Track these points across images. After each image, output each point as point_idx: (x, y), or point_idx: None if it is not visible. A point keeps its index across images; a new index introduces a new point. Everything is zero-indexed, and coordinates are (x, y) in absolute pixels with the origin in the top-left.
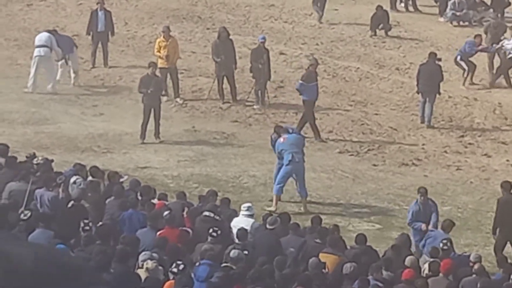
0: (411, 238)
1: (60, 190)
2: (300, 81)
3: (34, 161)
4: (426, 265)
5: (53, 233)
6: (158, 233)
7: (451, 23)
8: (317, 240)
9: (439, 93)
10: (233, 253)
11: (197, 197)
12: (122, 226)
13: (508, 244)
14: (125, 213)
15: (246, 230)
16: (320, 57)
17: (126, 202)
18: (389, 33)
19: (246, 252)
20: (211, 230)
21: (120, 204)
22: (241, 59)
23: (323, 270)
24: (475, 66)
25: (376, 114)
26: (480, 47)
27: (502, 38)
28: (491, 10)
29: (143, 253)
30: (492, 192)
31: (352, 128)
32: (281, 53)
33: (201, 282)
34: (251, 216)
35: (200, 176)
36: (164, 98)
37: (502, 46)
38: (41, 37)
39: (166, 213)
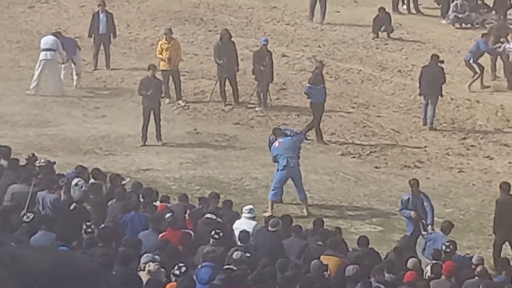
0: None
1: (62, 192)
2: (308, 85)
3: (36, 163)
4: (428, 267)
5: (55, 235)
6: (160, 235)
7: (453, 25)
8: (319, 243)
9: (442, 95)
10: (236, 254)
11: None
12: (124, 228)
13: (508, 246)
14: (127, 215)
15: (248, 232)
16: (322, 59)
17: (128, 204)
18: (391, 35)
19: (248, 254)
20: (213, 232)
21: (122, 206)
22: (243, 61)
23: (325, 273)
24: (483, 68)
25: (378, 116)
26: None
27: (502, 40)
28: (494, 12)
29: (145, 255)
30: (494, 194)
31: (354, 130)
32: (283, 55)
33: (203, 285)
34: (253, 218)
35: (202, 178)
36: (166, 100)
37: (505, 48)
38: (47, 40)
39: (168, 215)
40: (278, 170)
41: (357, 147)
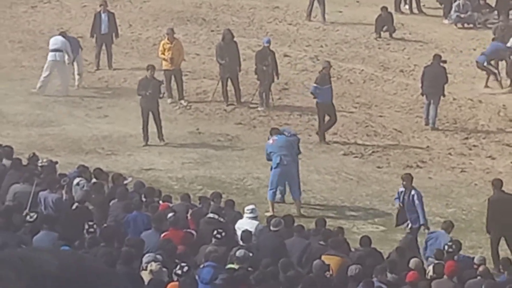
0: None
1: (64, 192)
2: (314, 85)
3: (39, 163)
4: (431, 267)
5: (57, 235)
6: (163, 235)
7: (456, 25)
8: (321, 242)
9: (444, 95)
10: (239, 252)
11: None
12: (127, 228)
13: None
14: (129, 215)
15: (250, 232)
16: (325, 59)
17: (130, 204)
18: (393, 35)
19: (250, 254)
20: (215, 232)
21: (124, 206)
22: (245, 61)
23: (327, 273)
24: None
25: (381, 116)
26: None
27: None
28: (496, 12)
29: (147, 255)
30: None
31: (356, 130)
32: (286, 55)
33: (205, 284)
34: (255, 218)
35: (204, 178)
36: (168, 100)
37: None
38: (56, 41)
39: (170, 215)
40: (271, 168)
41: (359, 147)
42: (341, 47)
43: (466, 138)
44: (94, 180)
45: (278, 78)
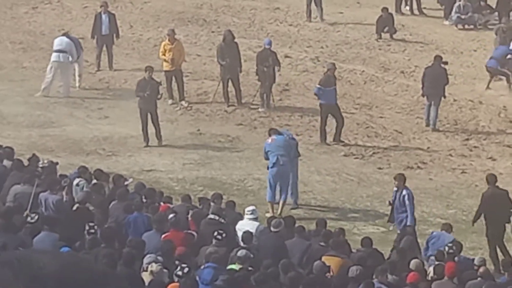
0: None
1: (64, 193)
2: (318, 86)
3: (39, 164)
4: (431, 268)
5: (58, 236)
6: (163, 236)
7: (456, 26)
8: (322, 243)
9: (444, 96)
10: (241, 252)
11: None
12: (127, 229)
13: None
14: (130, 216)
15: (251, 233)
16: (325, 60)
17: (131, 205)
18: (394, 36)
19: (251, 255)
20: (216, 233)
21: (125, 207)
22: (246, 62)
23: (328, 274)
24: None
25: (381, 117)
26: None
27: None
28: (496, 13)
29: (148, 256)
30: None
31: (357, 131)
32: (286, 56)
33: (205, 285)
34: (255, 219)
35: (205, 179)
36: (169, 101)
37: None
38: (61, 42)
39: (171, 216)
40: (268, 167)
41: (360, 148)
42: (342, 48)
43: (467, 139)
44: (94, 181)
45: (279, 70)
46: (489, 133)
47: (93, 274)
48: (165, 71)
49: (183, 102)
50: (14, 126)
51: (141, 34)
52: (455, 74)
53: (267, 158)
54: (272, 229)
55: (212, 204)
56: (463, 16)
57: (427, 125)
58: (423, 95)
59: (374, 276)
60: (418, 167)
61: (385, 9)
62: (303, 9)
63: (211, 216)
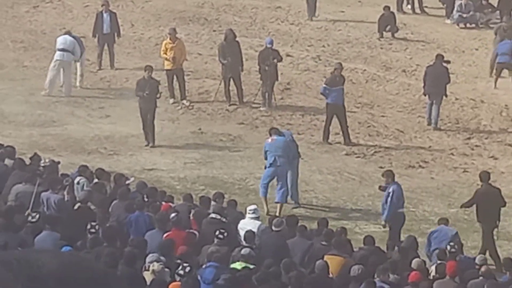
0: None
1: (65, 192)
2: (324, 85)
3: (41, 163)
4: (433, 267)
5: (60, 235)
6: (165, 235)
7: (458, 25)
8: (323, 242)
9: (446, 95)
10: (245, 250)
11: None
12: (129, 228)
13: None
14: (131, 215)
15: (253, 232)
16: (327, 59)
17: (132, 204)
18: (395, 35)
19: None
20: (217, 232)
21: (126, 206)
22: (248, 61)
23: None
24: None
25: (383, 116)
26: None
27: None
28: (498, 12)
29: (150, 255)
30: None
31: (358, 130)
32: (288, 55)
33: (207, 284)
34: (257, 218)
35: (206, 178)
36: (170, 100)
37: None
38: (65, 41)
39: (173, 215)
40: (265, 167)
41: (361, 147)
42: (343, 47)
43: (468, 138)
44: (95, 180)
45: (280, 61)
46: (491, 132)
47: (93, 274)
48: (167, 70)
49: (184, 101)
50: (15, 125)
51: (143, 33)
52: (457, 73)
53: (266, 158)
54: (273, 228)
55: (213, 203)
56: (464, 15)
57: (429, 124)
58: (424, 94)
59: (375, 275)
60: (420, 166)
61: (387, 8)
62: (304, 8)
63: (213, 215)
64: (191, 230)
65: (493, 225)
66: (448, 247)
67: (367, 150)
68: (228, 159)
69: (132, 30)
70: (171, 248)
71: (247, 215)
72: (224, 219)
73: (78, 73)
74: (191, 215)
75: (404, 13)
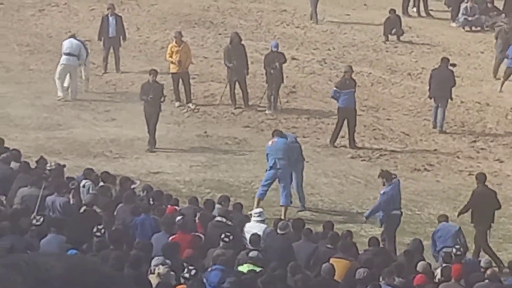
0: None
1: (71, 196)
2: (334, 88)
3: (47, 167)
4: (439, 270)
5: (65, 238)
6: (171, 238)
7: (463, 28)
8: (329, 246)
9: (451, 98)
10: (253, 253)
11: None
12: (134, 231)
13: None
14: (137, 218)
15: (259, 235)
16: (332, 63)
17: (138, 207)
18: (401, 38)
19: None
20: (223, 235)
21: (132, 209)
22: (253, 64)
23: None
24: None
25: (388, 119)
26: None
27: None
28: (503, 15)
29: (156, 258)
30: (504, 198)
31: (364, 133)
32: (293, 58)
33: None
34: (262, 221)
35: (212, 181)
36: (176, 103)
37: None
38: (71, 45)
39: (178, 218)
40: (266, 170)
41: (367, 150)
42: (349, 50)
43: (474, 141)
44: (101, 183)
45: (284, 62)
46: (496, 135)
47: (100, 276)
48: (172, 73)
49: (190, 105)
50: (21, 128)
51: (148, 37)
52: (462, 76)
53: (267, 160)
54: (279, 231)
55: (218, 206)
56: (470, 18)
57: (434, 127)
58: (430, 97)
59: (381, 278)
60: (425, 169)
61: (392, 11)
62: (310, 11)
63: (218, 218)
64: (197, 233)
65: (487, 227)
66: (454, 250)
67: (373, 153)
68: (234, 162)
69: (137, 33)
70: (174, 250)
71: (253, 218)
72: (229, 222)
73: (84, 77)
74: (196, 218)
75: (410, 16)
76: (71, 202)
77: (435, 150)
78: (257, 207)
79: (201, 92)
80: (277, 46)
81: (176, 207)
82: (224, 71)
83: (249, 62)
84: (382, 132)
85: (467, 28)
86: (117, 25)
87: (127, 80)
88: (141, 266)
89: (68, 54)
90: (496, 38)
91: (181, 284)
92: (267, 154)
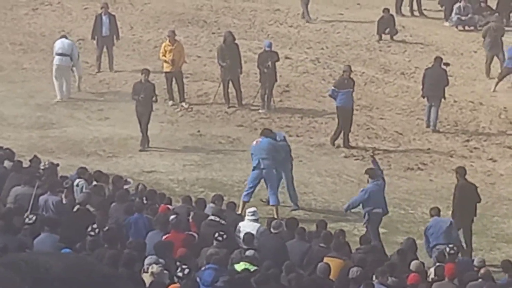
0: None
1: (63, 195)
2: (332, 87)
3: (41, 166)
4: (432, 270)
5: (59, 237)
6: (164, 237)
7: (456, 27)
8: (322, 245)
9: (444, 98)
10: (249, 252)
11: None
12: (128, 230)
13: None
14: (130, 218)
15: (252, 234)
16: (326, 62)
17: (132, 206)
18: (394, 37)
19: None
20: (216, 235)
21: (126, 208)
22: (247, 63)
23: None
24: None
25: (382, 118)
26: None
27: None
28: (497, 14)
29: (149, 257)
30: (498, 197)
31: (357, 132)
32: (287, 58)
33: (206, 287)
34: (256, 220)
35: (205, 180)
36: (169, 103)
37: None
38: (63, 45)
39: (172, 217)
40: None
41: (360, 149)
42: (342, 49)
43: (467, 141)
44: (94, 182)
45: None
46: (490, 134)
47: (98, 276)
48: (166, 73)
49: (183, 104)
50: (14, 127)
51: (142, 36)
52: (456, 75)
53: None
54: (272, 230)
55: (212, 205)
56: (463, 18)
57: (428, 126)
58: (423, 96)
59: (374, 277)
60: (419, 168)
61: (386, 10)
62: (302, 11)
63: (212, 217)
64: (190, 232)
65: (471, 220)
66: (447, 249)
67: (366, 152)
68: (227, 161)
69: (131, 32)
70: (168, 249)
71: (247, 217)
72: (223, 221)
73: (76, 76)
74: (190, 217)
75: (403, 15)
76: (64, 201)
77: (429, 149)
78: (243, 210)
79: (195, 91)
80: (270, 45)
81: (169, 206)
82: (217, 70)
83: (242, 61)
84: (376, 131)
85: (460, 28)
86: (110, 24)
87: (121, 79)
88: (135, 265)
89: (60, 54)
90: (484, 37)
91: (174, 283)
92: (251, 154)
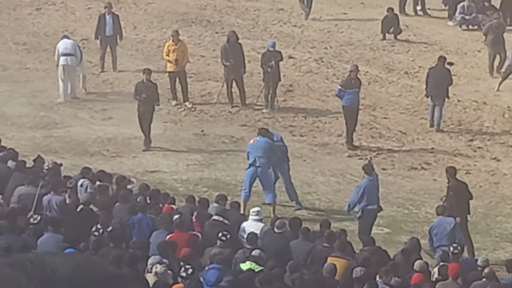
0: None
1: (67, 195)
2: (339, 87)
3: (45, 166)
4: (436, 269)
5: (62, 237)
6: (168, 237)
7: (460, 27)
8: (325, 244)
9: (448, 97)
10: (255, 252)
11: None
12: (131, 230)
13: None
14: (134, 217)
15: (256, 234)
16: (329, 61)
17: (135, 206)
18: (398, 36)
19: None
20: (220, 234)
21: (129, 208)
22: (250, 63)
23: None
24: None
25: (385, 118)
26: None
27: None
28: (500, 13)
29: (152, 256)
30: (501, 196)
31: (361, 132)
32: (290, 57)
33: (210, 286)
34: (260, 220)
35: (209, 180)
36: (173, 102)
37: None
38: (67, 45)
39: (176, 217)
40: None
41: (364, 149)
42: (346, 49)
43: (471, 140)
44: (98, 182)
45: (281, 60)
46: (493, 134)
47: (104, 275)
48: (169, 72)
49: (187, 103)
50: (18, 127)
51: (145, 35)
52: (459, 74)
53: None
54: (275, 230)
55: (215, 205)
56: (467, 17)
57: (431, 125)
58: (427, 96)
59: (378, 277)
60: (422, 167)
61: (390, 10)
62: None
63: (215, 217)
64: (194, 232)
65: (465, 218)
66: (451, 248)
67: (370, 152)
68: (231, 161)
69: (134, 32)
70: (171, 249)
71: (250, 217)
72: (226, 221)
73: (81, 75)
74: (193, 217)
75: (407, 14)
76: (67, 201)
77: (432, 148)
78: (245, 209)
79: (198, 90)
80: (274, 45)
81: (173, 206)
82: (221, 69)
83: (246, 61)
84: (379, 131)
85: (464, 27)
86: (114, 24)
87: (124, 79)
88: (138, 265)
89: (65, 54)
90: (486, 35)
91: (178, 283)
92: (247, 153)
